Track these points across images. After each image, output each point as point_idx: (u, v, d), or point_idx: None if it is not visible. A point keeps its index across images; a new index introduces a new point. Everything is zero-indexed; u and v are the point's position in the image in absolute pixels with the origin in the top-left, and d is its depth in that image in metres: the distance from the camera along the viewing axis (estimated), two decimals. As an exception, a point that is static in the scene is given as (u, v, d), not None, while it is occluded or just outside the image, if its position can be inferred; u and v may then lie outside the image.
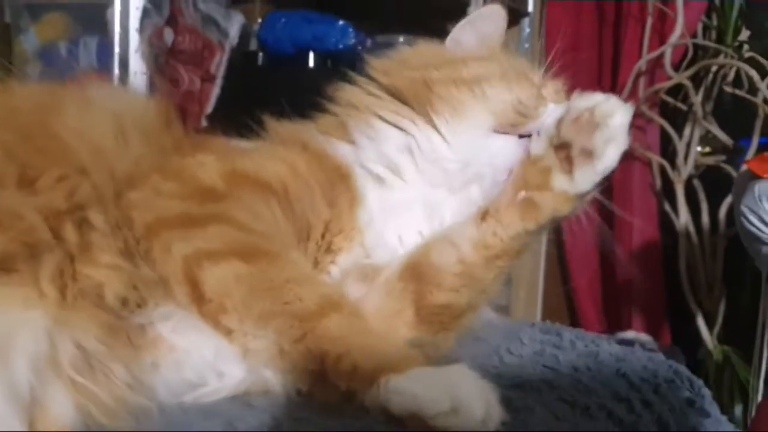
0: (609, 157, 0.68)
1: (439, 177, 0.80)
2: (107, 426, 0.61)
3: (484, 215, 0.74)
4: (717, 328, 2.19)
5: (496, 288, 0.77)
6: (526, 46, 2.45)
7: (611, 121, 0.68)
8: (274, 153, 0.80)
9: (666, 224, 2.32)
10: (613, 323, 2.34)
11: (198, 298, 0.66)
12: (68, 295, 0.60)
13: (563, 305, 2.54)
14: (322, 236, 0.77)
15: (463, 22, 0.88)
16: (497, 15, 0.89)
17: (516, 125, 0.78)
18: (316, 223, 0.77)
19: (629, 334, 2.18)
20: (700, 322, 2.19)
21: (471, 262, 0.73)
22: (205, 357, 0.67)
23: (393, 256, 0.77)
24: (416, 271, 0.74)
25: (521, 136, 0.78)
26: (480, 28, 0.88)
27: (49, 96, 0.74)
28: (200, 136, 0.84)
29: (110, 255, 0.64)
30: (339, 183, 0.80)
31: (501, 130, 0.79)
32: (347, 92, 0.86)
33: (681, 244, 2.25)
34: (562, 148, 0.71)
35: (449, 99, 0.80)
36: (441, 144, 0.80)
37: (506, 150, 0.78)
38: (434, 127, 0.80)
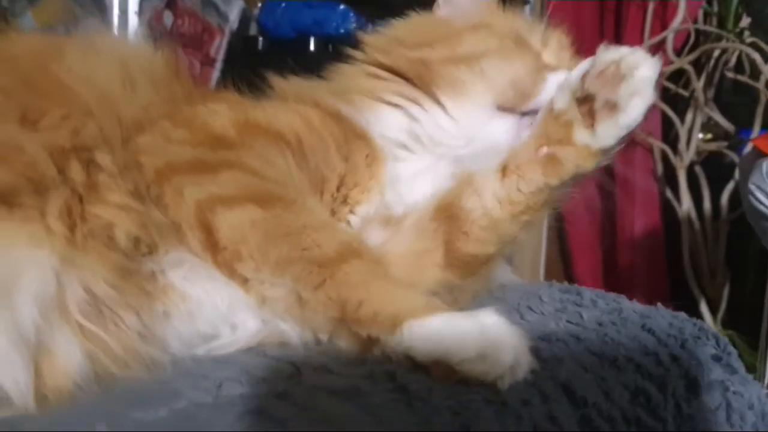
0: (633, 109, 0.67)
1: (444, 151, 0.79)
2: (117, 376, 0.58)
3: (504, 170, 0.72)
4: (720, 314, 2.18)
5: (523, 237, 0.76)
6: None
7: (637, 72, 0.66)
8: (288, 106, 0.78)
9: (668, 210, 2.31)
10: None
11: (212, 245, 0.64)
12: (77, 235, 0.58)
13: (565, 293, 2.53)
14: (338, 189, 0.75)
15: None
16: None
17: (516, 105, 0.77)
18: (330, 176, 0.75)
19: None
20: (704, 308, 2.18)
21: (497, 217, 0.72)
22: (218, 308, 0.65)
23: (415, 206, 0.76)
24: (449, 212, 0.73)
25: (525, 113, 0.77)
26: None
27: (50, 44, 0.73)
28: (210, 89, 0.81)
29: (119, 195, 0.62)
30: (355, 139, 0.78)
31: (504, 107, 0.77)
32: (347, 74, 0.84)
33: (683, 230, 2.24)
34: (585, 101, 0.69)
35: (449, 79, 0.79)
36: (446, 123, 0.79)
37: (504, 133, 0.76)
38: (439, 106, 0.79)
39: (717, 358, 0.72)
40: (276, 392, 0.54)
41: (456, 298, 0.72)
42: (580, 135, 0.69)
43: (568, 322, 0.74)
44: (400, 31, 0.85)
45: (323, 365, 0.60)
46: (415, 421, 0.51)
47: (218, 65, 2.15)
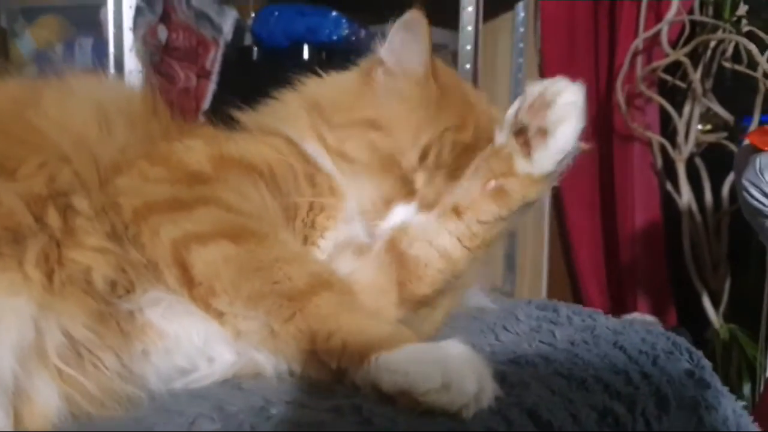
0: (563, 133, 0.69)
1: None
2: (94, 415, 0.60)
3: (457, 210, 0.74)
4: (723, 307, 2.17)
5: (473, 274, 0.78)
6: (521, 30, 2.43)
7: (560, 99, 0.68)
8: (256, 137, 0.81)
9: (668, 204, 2.30)
10: (617, 305, 2.33)
11: (188, 282, 0.66)
12: (55, 281, 0.60)
13: (567, 289, 2.53)
14: (307, 213, 0.77)
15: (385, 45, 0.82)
16: (417, 26, 0.80)
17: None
18: (300, 202, 0.77)
19: (634, 316, 2.16)
20: (706, 302, 2.18)
21: (457, 257, 0.73)
22: (195, 342, 0.67)
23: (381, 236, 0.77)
24: (398, 254, 0.74)
25: None
26: (400, 52, 0.81)
27: (27, 90, 0.74)
28: (187, 124, 0.83)
29: (96, 238, 0.64)
30: (316, 169, 0.80)
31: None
32: (285, 105, 0.85)
33: (684, 223, 2.23)
34: (521, 133, 0.71)
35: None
36: None
37: None
38: None
39: (690, 374, 0.73)
40: (245, 428, 0.56)
41: (418, 329, 0.73)
42: (520, 164, 0.71)
43: (540, 342, 0.75)
44: (317, 96, 0.85)
45: (294, 398, 0.62)
46: (379, 454, 0.52)
47: (214, 77, 2.17)
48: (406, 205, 0.79)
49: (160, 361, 0.67)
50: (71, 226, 0.63)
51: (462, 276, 0.75)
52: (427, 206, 0.77)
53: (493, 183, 0.72)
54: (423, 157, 0.79)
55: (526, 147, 0.70)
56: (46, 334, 0.59)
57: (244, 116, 0.85)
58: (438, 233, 0.73)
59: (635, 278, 2.30)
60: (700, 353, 0.77)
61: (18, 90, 0.74)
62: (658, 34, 2.23)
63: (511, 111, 0.72)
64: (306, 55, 2.15)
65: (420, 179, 0.80)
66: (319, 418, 0.56)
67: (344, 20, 2.12)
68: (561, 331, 0.78)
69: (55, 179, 0.65)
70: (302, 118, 0.83)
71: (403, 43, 0.80)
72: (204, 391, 0.65)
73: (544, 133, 0.69)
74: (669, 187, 2.29)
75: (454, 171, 0.79)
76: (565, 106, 0.68)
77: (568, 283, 2.56)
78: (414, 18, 0.79)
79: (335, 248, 0.77)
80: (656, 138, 2.30)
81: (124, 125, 0.74)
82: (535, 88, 0.70)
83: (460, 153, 0.80)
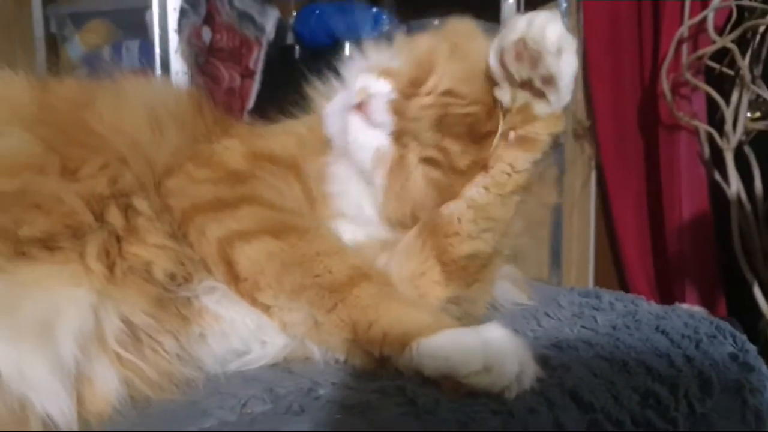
0: (567, 66, 0.68)
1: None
2: (152, 398, 0.63)
3: (484, 167, 0.74)
4: (775, 297, 2.12)
5: (517, 230, 0.77)
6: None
7: (547, 40, 0.67)
8: (283, 127, 0.84)
9: (717, 193, 2.26)
10: (665, 298, 2.30)
11: (234, 278, 0.69)
12: (116, 272, 0.64)
13: (614, 283, 2.50)
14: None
15: None
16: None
17: None
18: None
19: (683, 308, 2.13)
20: (757, 292, 2.13)
21: (484, 202, 0.73)
22: (249, 326, 0.70)
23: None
24: (429, 225, 0.75)
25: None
26: None
27: (82, 91, 0.78)
28: (228, 121, 0.86)
29: (158, 237, 0.67)
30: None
31: None
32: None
33: (733, 213, 2.19)
34: (525, 84, 0.71)
35: None
36: None
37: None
38: None
39: (734, 357, 0.73)
40: (294, 409, 0.58)
41: (468, 311, 0.75)
42: (540, 108, 0.71)
43: (582, 327, 0.76)
44: None
45: (340, 380, 0.64)
46: (424, 432, 0.54)
47: (258, 77, 2.21)
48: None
49: (216, 344, 0.70)
50: (133, 225, 0.67)
51: (504, 230, 0.74)
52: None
53: (513, 134, 0.72)
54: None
55: (537, 93, 0.70)
56: (105, 322, 0.62)
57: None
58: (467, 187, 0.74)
59: (683, 270, 2.26)
60: (744, 337, 0.76)
61: (73, 90, 0.77)
62: (703, 20, 2.19)
63: (493, 63, 0.71)
64: (347, 52, 2.17)
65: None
66: (364, 398, 0.58)
67: (384, 16, 2.14)
68: (603, 316, 0.79)
69: (116, 181, 0.68)
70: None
71: None
72: (255, 374, 0.68)
73: (549, 79, 0.69)
74: (717, 176, 2.25)
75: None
76: (555, 44, 0.67)
77: (614, 277, 2.53)
78: None
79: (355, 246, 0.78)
80: (703, 127, 2.26)
81: (174, 127, 0.77)
82: (511, 37, 0.69)
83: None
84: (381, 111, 0.75)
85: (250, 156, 0.77)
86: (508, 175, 0.72)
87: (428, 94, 0.75)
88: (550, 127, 0.72)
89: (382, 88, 0.76)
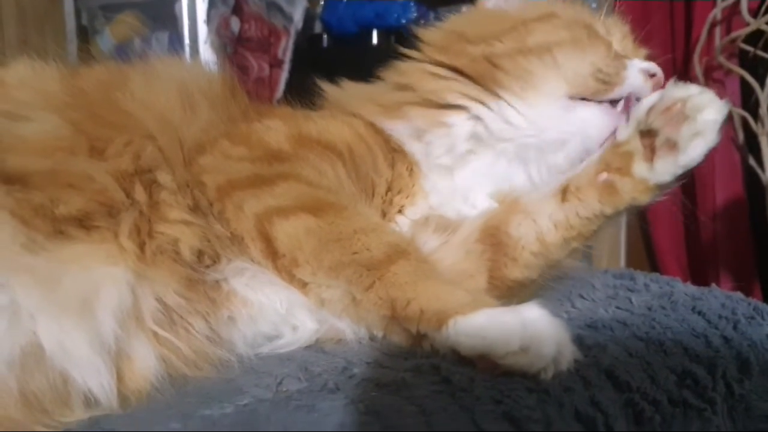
0: (694, 151, 0.67)
1: (511, 151, 0.80)
2: (189, 376, 0.64)
3: (564, 194, 0.74)
4: (811, 284, 2.09)
5: (564, 265, 0.77)
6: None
7: (701, 115, 0.67)
8: (336, 117, 0.82)
9: (751, 179, 2.22)
10: (699, 284, 2.26)
11: (272, 254, 0.69)
12: (147, 251, 0.64)
13: (646, 268, 2.48)
14: (386, 192, 0.79)
15: None
16: None
17: (597, 93, 0.77)
18: (379, 182, 0.79)
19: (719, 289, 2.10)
20: (794, 279, 2.10)
21: (550, 242, 0.74)
22: (279, 310, 0.71)
23: (465, 213, 0.78)
24: (495, 238, 0.75)
25: (611, 102, 0.78)
26: None
27: (114, 73, 0.79)
28: (264, 105, 0.86)
29: (179, 211, 0.68)
30: (395, 151, 0.82)
31: (578, 97, 0.78)
32: (403, 73, 0.86)
33: (768, 199, 2.15)
34: (648, 135, 0.70)
35: (519, 72, 0.79)
36: (515, 119, 0.79)
37: (597, 119, 0.77)
38: (505, 103, 0.79)
39: (773, 338, 0.72)
40: (329, 387, 0.59)
41: None
42: (639, 168, 0.70)
43: (617, 308, 0.75)
44: (460, 26, 0.87)
45: (374, 359, 0.64)
46: (459, 410, 0.54)
47: (286, 66, 2.22)
48: (632, 62, 0.79)
49: (246, 328, 0.70)
50: (155, 200, 0.68)
51: (554, 266, 0.75)
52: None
53: (605, 175, 0.72)
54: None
55: (650, 151, 0.69)
56: (141, 300, 0.63)
57: (336, 92, 0.87)
58: (541, 213, 0.74)
59: (717, 256, 2.23)
60: (783, 318, 0.75)
61: (105, 73, 0.78)
62: (737, 2, 2.15)
63: (643, 106, 0.71)
64: (375, 40, 2.17)
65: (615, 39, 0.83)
66: (399, 377, 0.59)
67: (412, 4, 2.14)
68: (638, 297, 0.78)
69: (140, 156, 0.69)
70: (424, 81, 0.83)
71: None
72: (290, 354, 0.69)
73: (673, 145, 0.68)
74: (751, 161, 2.21)
75: None
76: (704, 123, 0.66)
77: (647, 264, 2.50)
78: None
79: (414, 225, 0.79)
80: (737, 111, 2.22)
81: (206, 106, 0.78)
82: (676, 93, 0.68)
83: None
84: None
85: (295, 137, 0.77)
86: (579, 218, 0.73)
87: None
88: (636, 191, 0.71)
89: None
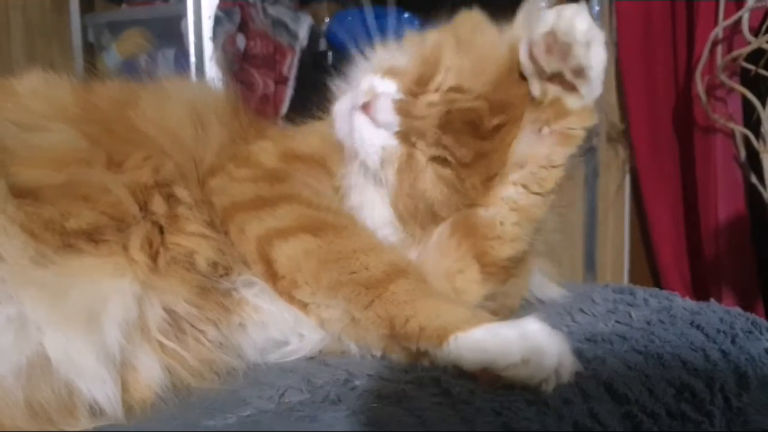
0: (597, 58, 0.68)
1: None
2: (193, 386, 0.65)
3: (520, 164, 0.74)
4: (814, 302, 2.09)
5: (551, 226, 0.77)
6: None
7: (576, 32, 0.67)
8: (309, 127, 0.86)
9: (753, 196, 2.23)
10: (702, 299, 2.26)
11: (272, 276, 0.71)
12: (160, 262, 0.66)
13: (649, 285, 2.47)
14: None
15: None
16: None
17: None
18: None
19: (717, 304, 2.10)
20: (796, 297, 2.09)
21: (526, 203, 0.73)
22: (287, 320, 0.72)
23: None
24: (466, 225, 0.75)
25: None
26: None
27: (126, 91, 0.81)
28: (262, 123, 0.88)
29: (197, 225, 0.70)
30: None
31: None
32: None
33: (770, 217, 2.16)
34: (555, 77, 0.70)
35: None
36: None
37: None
38: None
39: (771, 352, 0.72)
40: (331, 398, 0.59)
41: (503, 303, 0.75)
42: (572, 102, 0.71)
43: (617, 322, 0.76)
44: None
45: (376, 372, 0.65)
46: (459, 422, 0.54)
47: (291, 83, 2.24)
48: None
49: (256, 334, 0.72)
50: (174, 213, 0.69)
51: (541, 227, 0.75)
52: None
53: (547, 129, 0.72)
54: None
55: (568, 86, 0.70)
56: (148, 312, 0.64)
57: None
58: (503, 186, 0.74)
59: (720, 274, 2.23)
60: (781, 333, 0.76)
61: (117, 91, 0.80)
62: (738, 21, 2.17)
63: (524, 59, 0.71)
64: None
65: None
66: (400, 389, 0.59)
67: (417, 22, 2.15)
68: (637, 312, 0.79)
69: (159, 170, 0.71)
70: None
71: None
72: (293, 366, 0.70)
73: (580, 71, 0.68)
74: (753, 179, 2.22)
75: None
76: (584, 35, 0.67)
77: (649, 280, 2.50)
78: None
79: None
80: (739, 129, 2.23)
81: (217, 125, 0.80)
82: (540, 30, 0.68)
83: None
84: (386, 111, 0.74)
85: (283, 156, 0.79)
86: (546, 170, 0.72)
87: (435, 91, 0.75)
88: (584, 120, 0.72)
89: (387, 88, 0.76)
